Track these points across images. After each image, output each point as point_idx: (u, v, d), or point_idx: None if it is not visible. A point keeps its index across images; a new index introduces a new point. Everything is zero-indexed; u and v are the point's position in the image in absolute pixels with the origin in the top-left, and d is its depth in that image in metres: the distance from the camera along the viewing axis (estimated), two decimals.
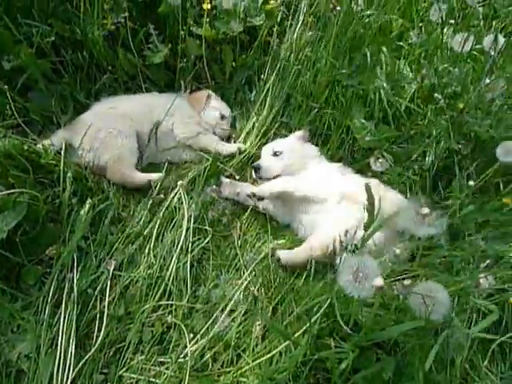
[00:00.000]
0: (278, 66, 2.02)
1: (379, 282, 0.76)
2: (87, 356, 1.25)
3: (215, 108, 2.02)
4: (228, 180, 1.76)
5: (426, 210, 0.79)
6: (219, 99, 2.08)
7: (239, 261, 1.52)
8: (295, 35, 2.01)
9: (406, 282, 0.93)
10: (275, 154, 1.80)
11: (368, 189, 0.95)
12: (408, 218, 0.81)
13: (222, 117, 2.02)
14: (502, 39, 1.65)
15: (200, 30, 2.00)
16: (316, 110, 1.93)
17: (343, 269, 0.81)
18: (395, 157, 1.73)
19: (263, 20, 2.08)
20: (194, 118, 1.96)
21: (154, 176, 1.71)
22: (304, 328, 1.11)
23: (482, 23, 2.22)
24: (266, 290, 1.45)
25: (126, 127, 1.77)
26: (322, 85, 1.94)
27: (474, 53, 1.90)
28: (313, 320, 1.07)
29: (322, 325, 1.09)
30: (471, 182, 1.49)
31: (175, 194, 1.62)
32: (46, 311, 1.31)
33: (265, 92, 1.97)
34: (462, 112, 1.67)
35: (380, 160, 1.64)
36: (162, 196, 1.65)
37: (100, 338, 1.30)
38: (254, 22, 2.09)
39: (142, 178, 1.71)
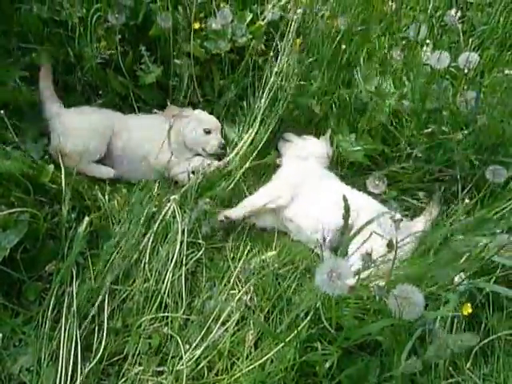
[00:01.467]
0: (268, 90, 2.09)
1: (351, 281, 0.84)
2: (88, 368, 1.30)
3: (196, 123, 1.98)
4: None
5: (398, 216, 0.88)
6: (203, 113, 2.05)
7: (232, 272, 1.58)
8: (283, 59, 2.08)
9: (382, 284, 1.01)
10: None
11: (345, 199, 1.03)
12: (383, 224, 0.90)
13: (208, 131, 1.97)
14: (475, 56, 1.76)
15: (191, 48, 2.08)
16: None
17: (319, 269, 0.90)
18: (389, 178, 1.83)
19: (249, 40, 2.17)
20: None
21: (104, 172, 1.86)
22: (293, 334, 1.17)
23: (461, 39, 2.34)
24: (259, 299, 1.52)
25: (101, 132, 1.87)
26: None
27: (452, 69, 2.00)
28: (302, 326, 1.14)
29: (310, 330, 1.16)
30: (467, 200, 1.59)
31: (168, 208, 1.68)
32: (47, 325, 1.36)
33: (255, 113, 2.04)
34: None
35: (377, 182, 1.70)
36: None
37: (100, 350, 1.35)
38: (240, 41, 2.16)
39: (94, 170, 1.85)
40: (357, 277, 0.97)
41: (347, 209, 1.03)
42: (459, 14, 2.10)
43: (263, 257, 1.65)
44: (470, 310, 1.21)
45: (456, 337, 1.17)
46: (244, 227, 1.78)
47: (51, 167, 1.53)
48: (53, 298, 1.40)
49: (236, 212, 1.74)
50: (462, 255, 1.23)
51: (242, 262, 1.63)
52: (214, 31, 2.15)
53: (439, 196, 1.83)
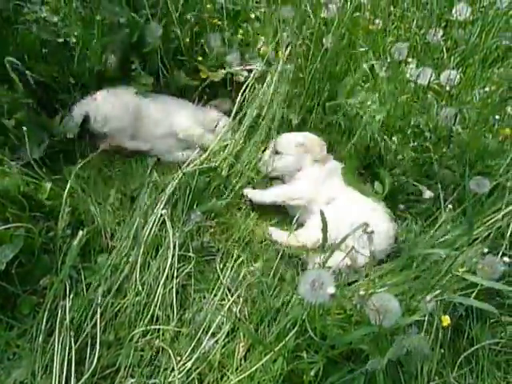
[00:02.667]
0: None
1: (331, 290, 0.90)
2: (81, 381, 1.33)
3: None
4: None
5: (370, 229, 0.93)
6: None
7: (221, 283, 1.62)
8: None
9: (362, 293, 1.06)
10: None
11: (322, 214, 1.09)
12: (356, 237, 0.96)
13: None
14: (455, 74, 1.83)
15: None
16: None
17: (303, 279, 0.95)
18: None
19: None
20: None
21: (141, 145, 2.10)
22: (281, 344, 1.21)
23: (445, 56, 2.42)
24: (249, 309, 1.55)
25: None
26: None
27: (435, 86, 2.08)
28: (289, 336, 1.18)
29: (297, 340, 1.20)
30: (450, 206, 1.65)
31: (159, 222, 1.72)
32: (40, 338, 1.39)
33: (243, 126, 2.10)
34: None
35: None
36: None
37: (93, 363, 1.38)
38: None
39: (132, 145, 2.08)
40: (338, 286, 1.02)
41: (325, 223, 1.08)
42: (441, 32, 2.17)
43: (252, 267, 1.69)
44: (448, 322, 1.25)
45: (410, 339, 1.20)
46: (234, 239, 1.82)
47: (48, 184, 1.57)
48: (46, 312, 1.43)
49: (262, 197, 1.90)
50: (439, 272, 1.28)
51: (230, 272, 1.66)
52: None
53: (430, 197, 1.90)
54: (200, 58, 2.20)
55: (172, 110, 2.17)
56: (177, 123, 2.14)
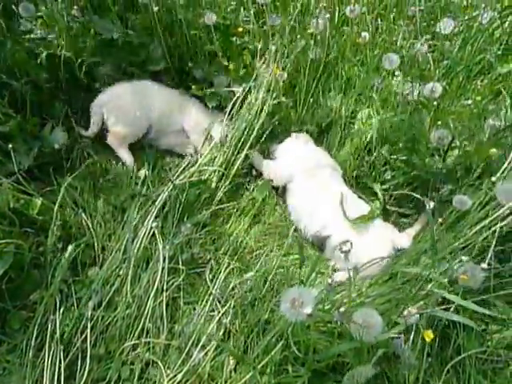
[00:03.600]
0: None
1: (308, 310, 0.92)
2: None
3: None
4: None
5: (346, 248, 0.96)
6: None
7: (210, 295, 1.63)
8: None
9: (342, 310, 1.08)
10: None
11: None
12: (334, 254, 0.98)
13: None
14: (439, 87, 1.87)
15: None
16: None
17: (284, 297, 0.97)
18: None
19: None
20: None
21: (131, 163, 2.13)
22: (267, 358, 1.23)
23: (432, 68, 2.47)
24: (239, 321, 1.57)
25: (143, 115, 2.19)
26: None
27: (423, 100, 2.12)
28: (275, 350, 1.19)
29: (284, 353, 1.22)
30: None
31: (149, 234, 1.74)
32: (30, 353, 1.40)
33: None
34: None
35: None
36: None
37: (83, 377, 1.39)
38: None
39: (127, 158, 2.15)
40: (316, 305, 1.04)
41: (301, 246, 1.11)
42: (426, 45, 2.22)
43: (242, 278, 1.71)
44: (431, 337, 1.27)
45: None
46: (224, 252, 1.84)
47: (39, 200, 1.59)
48: (36, 327, 1.44)
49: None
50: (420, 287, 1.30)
51: (220, 283, 1.67)
52: None
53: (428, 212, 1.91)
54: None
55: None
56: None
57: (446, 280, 1.25)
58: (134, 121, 2.16)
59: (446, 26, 2.12)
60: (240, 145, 2.10)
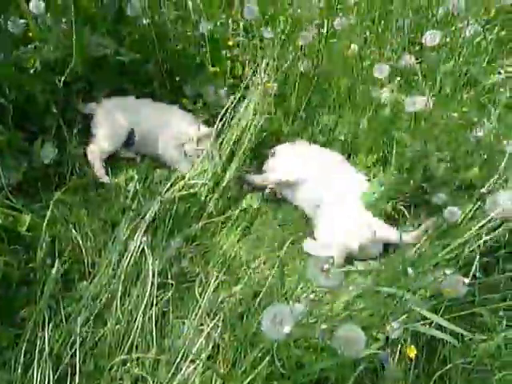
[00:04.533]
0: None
1: (287, 329, 0.94)
2: None
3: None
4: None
5: (326, 266, 0.98)
6: None
7: (200, 309, 1.64)
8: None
9: (323, 327, 1.10)
10: None
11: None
12: (314, 272, 1.00)
13: None
14: (420, 99, 1.91)
15: None
16: None
17: (265, 315, 0.99)
18: None
19: None
20: None
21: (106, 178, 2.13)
22: (255, 373, 1.24)
23: (420, 79, 2.50)
24: (228, 334, 1.58)
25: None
26: None
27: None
28: (261, 366, 1.21)
29: (270, 368, 1.23)
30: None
31: (139, 249, 1.75)
32: (19, 370, 1.41)
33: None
34: None
35: None
36: None
37: None
38: None
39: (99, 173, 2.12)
40: (299, 320, 1.06)
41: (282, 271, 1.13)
42: (413, 58, 2.25)
43: (231, 292, 1.72)
44: (415, 352, 1.29)
45: None
46: (213, 264, 1.85)
47: (28, 217, 1.60)
48: (25, 344, 1.44)
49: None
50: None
51: (209, 297, 1.68)
52: None
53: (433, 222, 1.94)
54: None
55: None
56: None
57: (425, 295, 1.27)
58: (112, 136, 2.21)
59: (431, 38, 2.15)
60: (231, 157, 2.13)
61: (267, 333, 0.96)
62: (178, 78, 2.36)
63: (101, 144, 2.19)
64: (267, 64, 2.25)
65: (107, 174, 2.16)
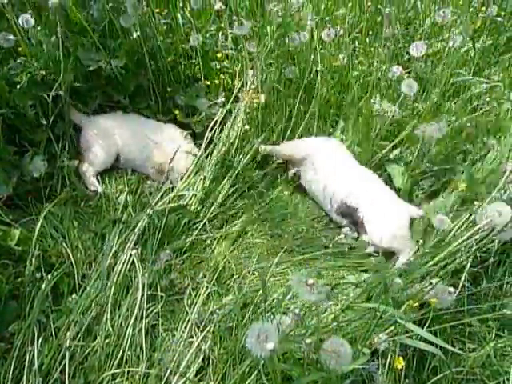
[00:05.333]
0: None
1: (271, 346, 0.95)
2: None
3: None
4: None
5: (310, 281, 0.98)
6: None
7: (189, 321, 1.64)
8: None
9: (309, 341, 1.11)
10: None
11: None
12: (300, 287, 1.01)
13: None
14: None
15: None
16: None
17: (250, 332, 1.00)
18: None
19: None
20: None
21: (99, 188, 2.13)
22: None
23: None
24: (218, 347, 1.57)
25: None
26: None
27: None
28: (251, 378, 1.21)
29: (259, 381, 1.24)
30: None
31: (129, 262, 1.75)
32: None
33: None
34: None
35: None
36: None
37: None
38: None
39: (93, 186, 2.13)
40: (282, 337, 1.07)
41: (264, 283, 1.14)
42: (401, 68, 2.28)
43: (221, 303, 1.72)
44: (402, 364, 1.30)
45: None
46: (203, 275, 1.85)
47: (17, 231, 1.60)
48: (14, 359, 1.44)
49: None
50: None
51: (199, 307, 1.68)
52: None
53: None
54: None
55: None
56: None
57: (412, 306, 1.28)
58: (103, 156, 2.22)
59: (417, 48, 2.18)
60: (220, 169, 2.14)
61: (252, 350, 0.97)
62: (169, 89, 2.38)
63: (93, 163, 2.20)
64: (255, 76, 2.27)
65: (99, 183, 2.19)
